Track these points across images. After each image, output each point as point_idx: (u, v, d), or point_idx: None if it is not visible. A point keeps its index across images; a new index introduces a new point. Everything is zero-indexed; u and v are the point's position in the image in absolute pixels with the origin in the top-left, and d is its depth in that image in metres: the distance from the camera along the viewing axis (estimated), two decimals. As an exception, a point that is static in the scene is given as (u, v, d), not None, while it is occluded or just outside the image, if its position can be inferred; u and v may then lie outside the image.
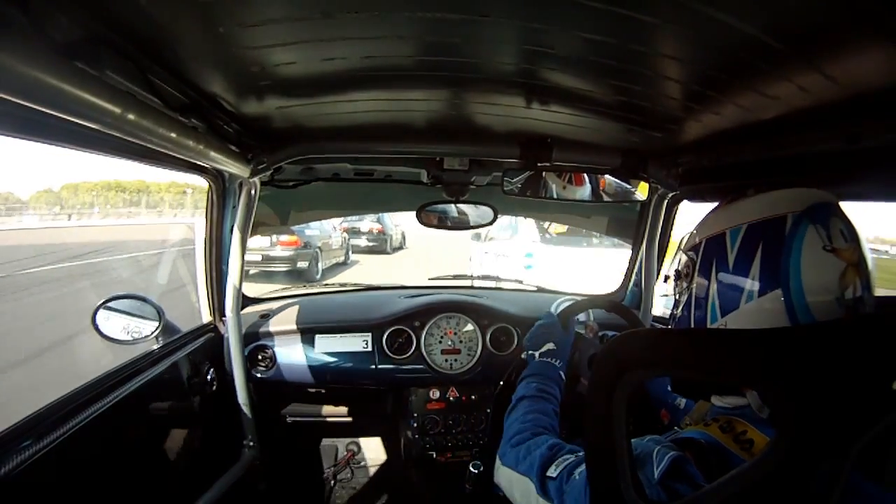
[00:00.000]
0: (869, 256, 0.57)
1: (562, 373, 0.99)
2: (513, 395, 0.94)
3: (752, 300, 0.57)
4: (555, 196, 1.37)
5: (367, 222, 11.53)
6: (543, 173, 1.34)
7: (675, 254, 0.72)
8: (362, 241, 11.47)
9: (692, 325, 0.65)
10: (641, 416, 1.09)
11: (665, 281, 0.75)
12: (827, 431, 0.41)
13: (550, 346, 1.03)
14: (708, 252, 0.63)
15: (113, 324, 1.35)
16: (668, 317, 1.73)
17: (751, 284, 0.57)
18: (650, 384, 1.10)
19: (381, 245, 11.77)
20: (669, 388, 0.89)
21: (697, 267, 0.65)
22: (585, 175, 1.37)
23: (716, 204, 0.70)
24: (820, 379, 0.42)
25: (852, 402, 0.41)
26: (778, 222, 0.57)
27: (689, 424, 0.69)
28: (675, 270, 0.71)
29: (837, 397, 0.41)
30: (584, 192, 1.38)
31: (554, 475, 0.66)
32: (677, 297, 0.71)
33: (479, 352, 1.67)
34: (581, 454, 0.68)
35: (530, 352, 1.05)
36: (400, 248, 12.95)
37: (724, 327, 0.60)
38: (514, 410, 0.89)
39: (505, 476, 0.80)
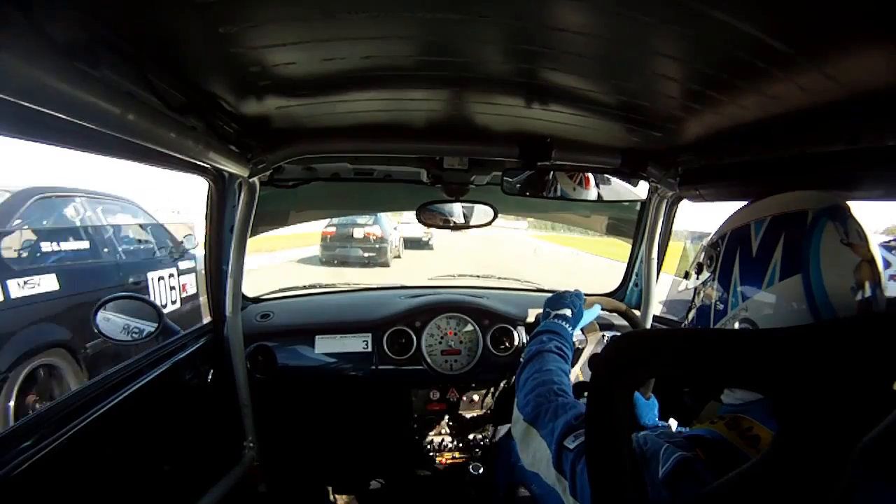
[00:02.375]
0: (879, 257, 0.60)
1: (573, 336, 1.00)
2: (526, 349, 0.93)
3: (773, 284, 0.60)
4: (561, 196, 1.38)
5: (362, 228, 8.88)
6: (553, 174, 1.35)
7: (699, 251, 0.75)
8: (356, 252, 8.86)
9: (713, 314, 0.67)
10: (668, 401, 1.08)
11: (686, 277, 0.77)
12: (828, 430, 0.41)
13: (567, 312, 1.04)
14: (732, 242, 0.66)
15: (113, 324, 1.35)
16: (667, 316, 1.74)
17: (773, 270, 0.60)
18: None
19: (379, 256, 8.96)
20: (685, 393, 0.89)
21: (721, 257, 0.67)
22: (592, 179, 1.37)
23: (717, 204, 0.71)
24: (821, 378, 0.42)
25: (853, 402, 0.42)
26: (800, 216, 0.60)
27: (696, 425, 0.69)
28: (697, 264, 0.73)
29: (838, 397, 0.41)
30: (591, 194, 1.39)
31: (571, 447, 0.67)
32: (698, 289, 0.73)
33: (479, 352, 1.67)
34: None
35: (547, 309, 1.06)
36: (398, 256, 10.19)
37: (745, 312, 0.63)
38: (532, 363, 0.88)
39: (521, 430, 0.79)
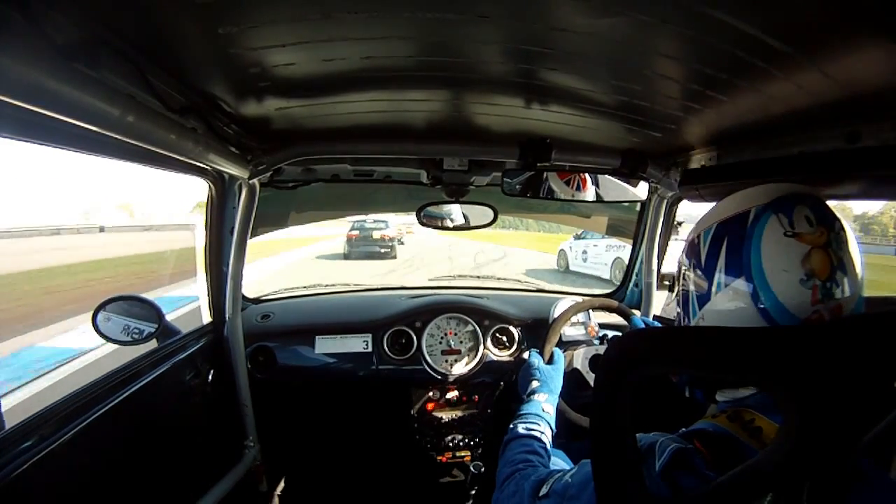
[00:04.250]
0: (848, 238, 0.58)
1: (547, 404, 1.03)
2: (504, 438, 0.97)
3: (720, 291, 0.61)
4: (559, 197, 1.38)
5: (379, 231, 12.07)
6: (550, 181, 1.35)
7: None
8: (375, 249, 12.02)
9: (681, 323, 0.70)
10: (662, 406, 1.09)
11: (669, 290, 0.79)
12: (834, 425, 0.42)
13: (534, 384, 1.08)
14: (689, 254, 0.68)
15: (113, 325, 1.35)
16: (667, 316, 1.75)
17: (718, 277, 0.61)
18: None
19: (391, 251, 12.33)
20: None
21: (683, 269, 0.69)
22: (589, 179, 1.37)
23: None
24: (825, 377, 0.42)
25: (856, 400, 0.42)
26: (742, 217, 0.61)
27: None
28: (672, 277, 0.76)
29: (842, 395, 0.42)
30: (590, 195, 1.39)
31: (546, 492, 0.70)
32: (675, 300, 0.75)
33: (479, 353, 1.67)
34: (567, 467, 0.71)
35: (523, 396, 1.09)
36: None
37: (702, 321, 0.64)
38: (504, 454, 0.92)
39: None
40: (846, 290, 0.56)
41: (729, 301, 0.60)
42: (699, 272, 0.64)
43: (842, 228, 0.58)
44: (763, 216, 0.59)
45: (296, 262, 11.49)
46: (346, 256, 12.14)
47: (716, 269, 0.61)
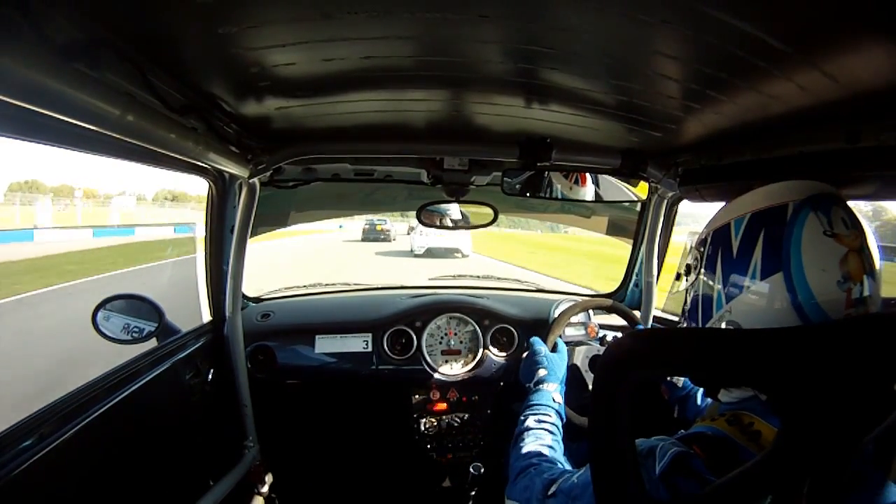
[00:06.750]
0: (873, 245, 0.58)
1: (556, 394, 1.01)
2: (515, 429, 0.95)
3: (754, 284, 0.59)
4: (560, 196, 1.38)
5: (381, 225, 20.30)
6: (549, 174, 1.35)
7: (689, 252, 0.74)
8: (378, 236, 19.95)
9: (700, 315, 0.67)
10: (650, 410, 1.09)
11: (677, 279, 0.77)
12: (831, 428, 0.42)
13: (541, 372, 1.06)
14: (714, 243, 0.65)
15: (113, 324, 1.35)
16: (666, 316, 1.75)
17: (753, 269, 0.59)
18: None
19: (388, 238, 20.10)
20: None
21: (705, 259, 0.66)
22: (589, 176, 1.37)
23: (720, 204, 0.71)
24: (824, 378, 0.42)
25: (855, 402, 0.42)
26: (780, 210, 0.59)
27: (698, 423, 0.70)
28: (686, 265, 0.73)
29: (841, 396, 0.41)
30: (589, 192, 1.39)
31: (554, 491, 0.69)
32: (687, 291, 0.72)
33: (479, 352, 1.67)
34: (578, 470, 0.70)
35: (527, 385, 1.08)
36: (394, 238, 21.30)
37: (729, 313, 0.61)
38: (516, 447, 0.90)
39: None
40: (875, 295, 0.56)
41: (763, 295, 0.58)
42: (729, 262, 0.62)
43: (868, 233, 0.58)
44: (802, 212, 0.57)
45: (330, 240, 19.63)
46: (363, 240, 20.04)
47: (751, 261, 0.59)
